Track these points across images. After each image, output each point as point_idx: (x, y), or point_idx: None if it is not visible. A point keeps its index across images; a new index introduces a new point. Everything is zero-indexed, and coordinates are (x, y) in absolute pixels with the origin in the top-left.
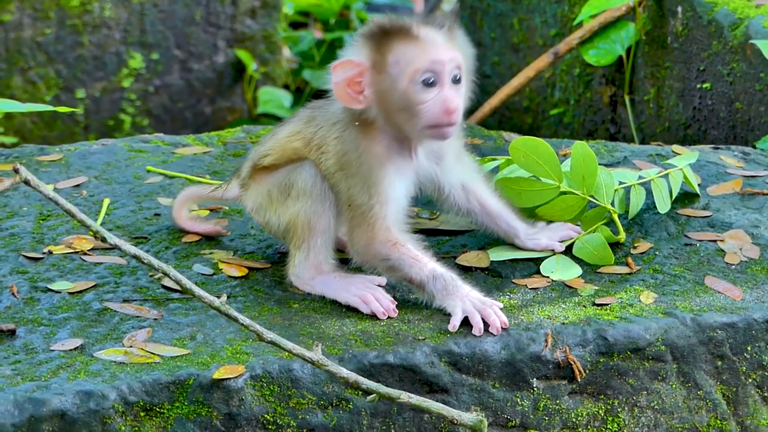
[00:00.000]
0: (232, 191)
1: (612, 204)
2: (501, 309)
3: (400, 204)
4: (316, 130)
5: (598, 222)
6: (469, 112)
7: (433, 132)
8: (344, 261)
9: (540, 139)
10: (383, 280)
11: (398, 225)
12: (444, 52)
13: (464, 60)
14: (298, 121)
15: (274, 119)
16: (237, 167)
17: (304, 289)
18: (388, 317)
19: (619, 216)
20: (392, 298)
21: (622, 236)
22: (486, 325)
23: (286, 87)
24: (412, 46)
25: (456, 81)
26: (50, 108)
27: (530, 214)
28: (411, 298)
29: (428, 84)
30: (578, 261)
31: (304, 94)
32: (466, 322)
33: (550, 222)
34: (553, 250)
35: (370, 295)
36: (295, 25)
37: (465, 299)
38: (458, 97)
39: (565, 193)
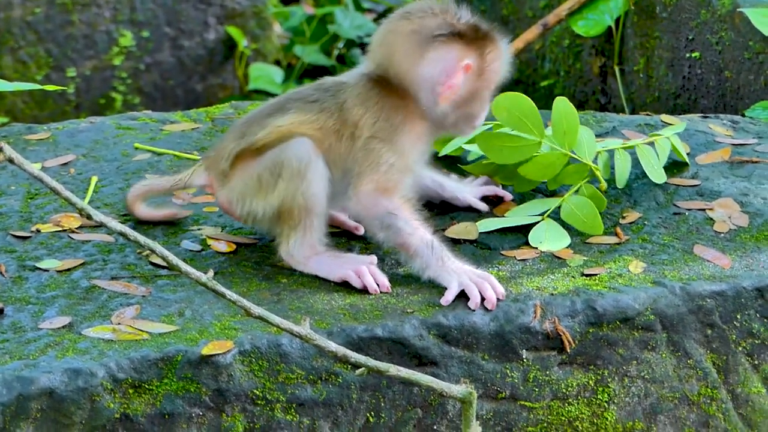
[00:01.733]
0: (198, 180)
1: (594, 162)
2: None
3: (415, 179)
4: (346, 117)
5: (580, 180)
6: None
7: (472, 129)
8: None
9: (523, 95)
10: (375, 258)
11: (408, 194)
12: (506, 69)
13: None
14: (302, 111)
15: (265, 95)
16: (205, 157)
17: (297, 268)
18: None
19: (609, 185)
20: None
21: (603, 185)
22: (482, 299)
23: (277, 63)
24: (501, 55)
25: None
26: (39, 87)
27: (512, 173)
28: (400, 271)
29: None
30: (567, 227)
31: (296, 69)
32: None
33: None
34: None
35: (364, 267)
36: (285, 1)
37: (461, 272)
38: None
39: (547, 149)
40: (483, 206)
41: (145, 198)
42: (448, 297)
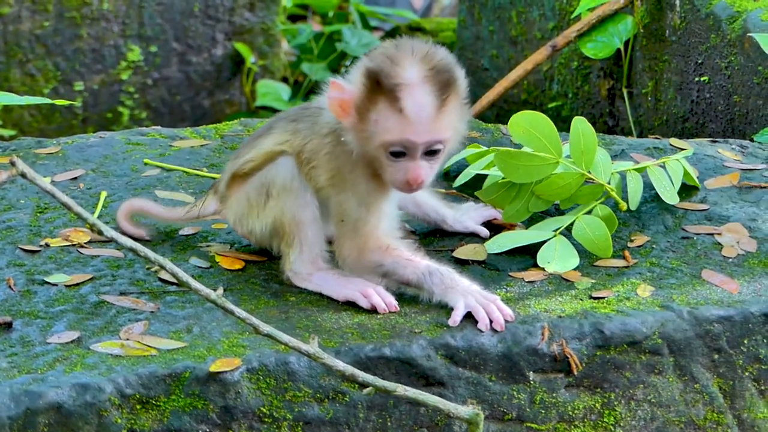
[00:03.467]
0: (210, 207)
1: (609, 183)
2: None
3: (393, 216)
4: (305, 142)
5: (593, 201)
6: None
7: (396, 188)
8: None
9: (540, 113)
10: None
11: (390, 233)
12: (422, 134)
13: (452, 130)
14: (283, 131)
15: (272, 112)
16: (213, 184)
17: (302, 286)
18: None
19: (619, 208)
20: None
21: (623, 205)
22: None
23: (284, 80)
24: (394, 115)
25: (432, 153)
26: (48, 101)
27: (528, 192)
28: (408, 291)
29: (396, 154)
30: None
31: (303, 87)
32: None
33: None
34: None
35: (371, 289)
36: (293, 18)
37: (467, 294)
38: (426, 169)
39: (564, 168)
40: (484, 231)
41: (137, 215)
42: (455, 318)
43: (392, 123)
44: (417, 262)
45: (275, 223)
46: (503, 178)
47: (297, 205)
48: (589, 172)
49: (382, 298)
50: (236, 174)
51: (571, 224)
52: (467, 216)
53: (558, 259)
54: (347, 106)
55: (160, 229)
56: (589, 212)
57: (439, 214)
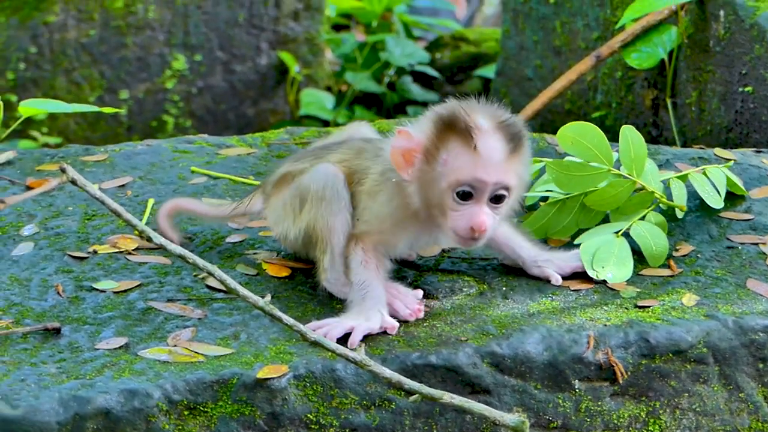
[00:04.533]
0: (257, 205)
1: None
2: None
3: (395, 247)
4: (361, 162)
5: (644, 209)
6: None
7: (457, 239)
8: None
9: (589, 124)
10: (419, 293)
11: (382, 247)
12: (493, 173)
13: (518, 180)
14: (348, 150)
15: (316, 121)
16: (262, 182)
17: (339, 295)
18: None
19: (668, 216)
20: (420, 301)
21: (683, 207)
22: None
23: (328, 89)
24: (465, 154)
25: (497, 200)
26: (95, 108)
27: (575, 206)
28: (455, 299)
29: (463, 196)
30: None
31: (347, 96)
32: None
33: (557, 248)
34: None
35: (398, 302)
36: (337, 28)
37: (369, 315)
38: (490, 217)
39: (615, 177)
40: (557, 279)
41: (182, 214)
42: (332, 333)
43: (464, 161)
44: (365, 271)
45: (308, 229)
46: (546, 200)
47: (330, 212)
48: (640, 181)
49: (407, 306)
50: (285, 176)
51: (627, 231)
52: (551, 264)
53: (615, 263)
54: (412, 156)
55: (208, 236)
56: (643, 219)
57: (518, 254)
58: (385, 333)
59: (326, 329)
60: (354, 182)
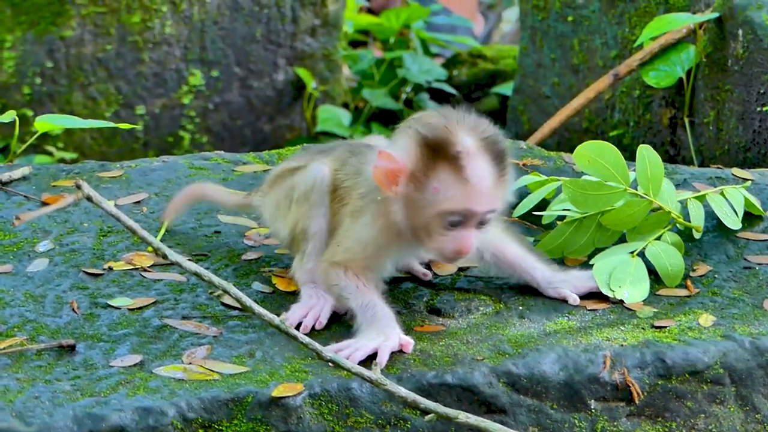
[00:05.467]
0: (257, 199)
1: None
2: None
3: (381, 269)
4: (345, 178)
5: (660, 229)
6: (529, 133)
7: (441, 258)
8: (403, 280)
9: (605, 143)
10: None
11: (365, 270)
12: (484, 204)
13: (504, 201)
14: (337, 159)
15: (333, 137)
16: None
17: (299, 287)
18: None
19: (681, 236)
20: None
21: (699, 228)
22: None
23: (345, 105)
24: (457, 183)
25: (483, 223)
26: (111, 124)
27: (591, 225)
28: (471, 318)
29: (453, 224)
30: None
31: (364, 112)
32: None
33: (572, 267)
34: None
35: (311, 311)
36: (354, 44)
37: (380, 335)
38: (476, 238)
39: (631, 196)
40: (575, 299)
41: (199, 200)
42: (356, 355)
43: (455, 191)
44: (363, 292)
45: (292, 228)
46: (562, 218)
47: (309, 216)
48: (656, 200)
49: (311, 320)
50: (281, 173)
51: (643, 251)
52: (566, 284)
53: (631, 283)
54: (396, 177)
55: (223, 253)
56: (659, 239)
57: (532, 276)
58: (400, 352)
59: (347, 352)
60: (336, 199)
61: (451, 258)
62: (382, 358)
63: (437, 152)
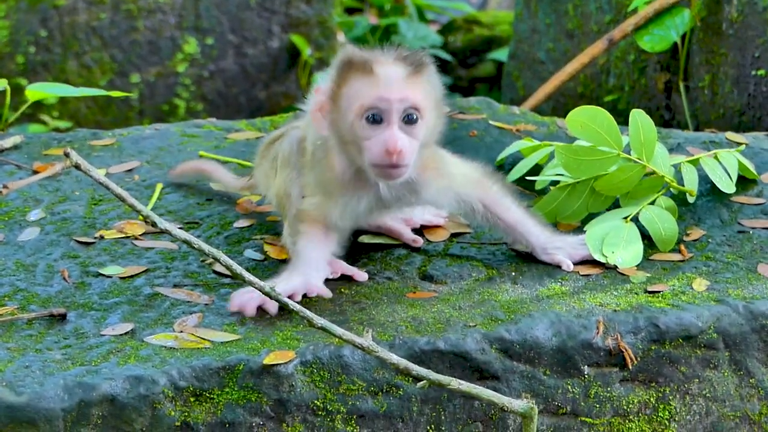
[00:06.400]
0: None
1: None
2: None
3: (341, 222)
4: (304, 130)
5: (654, 193)
6: (524, 98)
7: (378, 171)
8: (396, 246)
9: (598, 108)
10: (327, 273)
11: (326, 223)
12: (395, 91)
13: (427, 100)
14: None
15: None
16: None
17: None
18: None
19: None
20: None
21: (693, 192)
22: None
23: None
24: (365, 80)
25: (409, 121)
26: (104, 92)
27: (585, 190)
28: (462, 285)
29: (373, 121)
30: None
31: None
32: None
33: (566, 233)
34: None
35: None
36: (350, 11)
37: (291, 278)
38: (405, 138)
39: (625, 161)
40: (568, 264)
41: (204, 177)
42: (285, 288)
43: (365, 87)
44: (305, 241)
45: (278, 194)
46: (556, 184)
47: (291, 180)
48: (650, 165)
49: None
50: (271, 141)
51: (636, 216)
52: (560, 251)
53: (624, 247)
54: (325, 108)
55: (215, 221)
56: (652, 203)
57: (528, 241)
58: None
59: (247, 296)
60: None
61: (384, 165)
62: (271, 304)
63: (349, 65)
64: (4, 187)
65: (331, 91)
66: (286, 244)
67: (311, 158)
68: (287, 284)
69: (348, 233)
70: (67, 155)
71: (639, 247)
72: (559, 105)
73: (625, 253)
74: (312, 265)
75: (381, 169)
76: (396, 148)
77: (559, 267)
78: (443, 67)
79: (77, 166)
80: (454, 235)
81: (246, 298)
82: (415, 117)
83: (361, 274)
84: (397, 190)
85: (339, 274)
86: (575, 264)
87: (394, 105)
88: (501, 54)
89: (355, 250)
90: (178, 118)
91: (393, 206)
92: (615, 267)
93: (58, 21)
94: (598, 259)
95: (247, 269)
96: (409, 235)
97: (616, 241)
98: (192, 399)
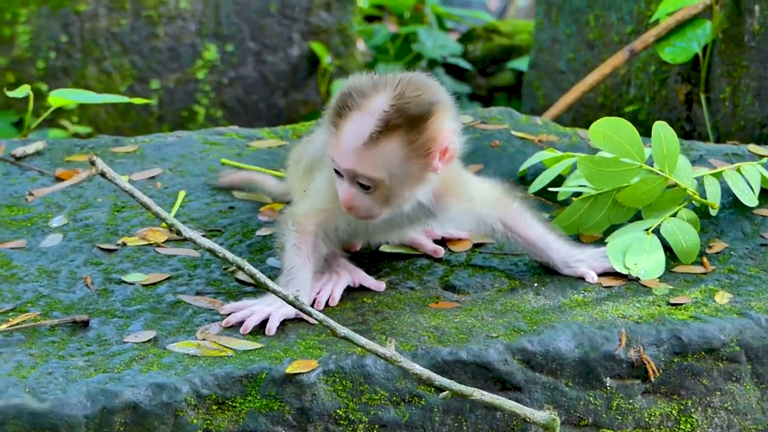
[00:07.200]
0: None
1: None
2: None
3: (337, 231)
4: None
5: (676, 206)
6: (544, 108)
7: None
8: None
9: (621, 119)
10: (382, 285)
11: (321, 228)
12: (345, 159)
13: (387, 168)
14: None
15: None
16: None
17: None
18: None
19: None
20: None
21: (715, 204)
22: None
23: None
24: (333, 131)
25: (361, 186)
26: (126, 99)
27: (607, 202)
28: (485, 295)
29: (337, 172)
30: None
31: None
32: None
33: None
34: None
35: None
36: (369, 19)
37: (281, 305)
38: (358, 199)
39: (647, 173)
40: (592, 276)
41: (247, 185)
42: (250, 321)
43: (332, 139)
44: (297, 255)
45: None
46: (578, 195)
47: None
48: (672, 177)
49: (324, 297)
50: (296, 150)
51: (658, 228)
52: (582, 263)
53: (646, 259)
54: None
55: (237, 229)
56: (674, 216)
57: (548, 256)
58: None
59: (240, 315)
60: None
61: (349, 213)
62: (271, 324)
63: (332, 110)
64: (30, 194)
65: (326, 120)
66: (281, 245)
67: (323, 161)
68: (285, 309)
69: (342, 244)
70: (92, 163)
71: (661, 258)
72: (579, 115)
73: (648, 264)
74: (306, 287)
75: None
76: (347, 204)
77: (581, 279)
78: (462, 76)
79: (103, 174)
80: (476, 246)
81: (244, 314)
82: (366, 185)
83: (378, 285)
84: (412, 213)
85: (358, 284)
86: (598, 275)
87: (344, 171)
88: (520, 63)
89: (377, 259)
90: (197, 124)
91: (409, 227)
92: (637, 279)
93: (79, 27)
94: (618, 270)
95: (270, 278)
96: (430, 246)
97: (638, 253)
98: (214, 407)
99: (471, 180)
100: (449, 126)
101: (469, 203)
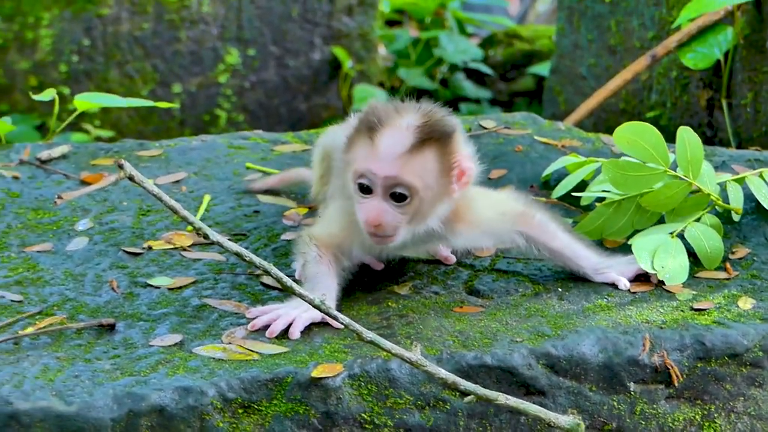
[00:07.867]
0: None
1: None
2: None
3: (353, 254)
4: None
5: (699, 211)
6: (565, 114)
7: (367, 235)
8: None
9: (646, 124)
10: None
11: (338, 250)
12: (385, 167)
13: (425, 178)
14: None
15: None
16: None
17: None
18: None
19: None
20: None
21: (739, 209)
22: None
23: (381, 85)
24: (364, 146)
25: (397, 198)
26: (150, 103)
27: (630, 207)
28: (509, 300)
29: (363, 189)
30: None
31: (399, 92)
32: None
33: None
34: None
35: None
36: (390, 23)
37: (306, 309)
38: (389, 213)
39: (671, 178)
40: (624, 283)
41: (297, 183)
42: (276, 325)
43: (362, 153)
44: (318, 265)
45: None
46: (601, 200)
47: (326, 182)
48: (696, 182)
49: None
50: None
51: (681, 232)
52: (613, 269)
53: (672, 263)
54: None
55: (263, 233)
56: (698, 221)
57: (579, 265)
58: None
59: (266, 318)
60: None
61: (369, 232)
62: (295, 328)
63: (359, 128)
64: (58, 197)
65: (346, 143)
66: (302, 260)
67: (341, 189)
68: (309, 313)
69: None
70: (120, 167)
71: (685, 263)
72: (600, 121)
73: (673, 268)
74: (332, 293)
75: (367, 234)
76: (374, 222)
77: (605, 284)
78: (483, 81)
79: (131, 178)
80: (500, 251)
81: (270, 318)
82: (404, 195)
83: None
84: (426, 238)
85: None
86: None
87: (380, 180)
88: (541, 68)
89: (401, 263)
90: (219, 128)
91: (423, 247)
92: (661, 283)
93: (101, 30)
94: (647, 271)
95: (296, 282)
96: (443, 252)
97: (664, 256)
98: (240, 411)
99: (484, 201)
100: (466, 150)
101: (480, 228)
